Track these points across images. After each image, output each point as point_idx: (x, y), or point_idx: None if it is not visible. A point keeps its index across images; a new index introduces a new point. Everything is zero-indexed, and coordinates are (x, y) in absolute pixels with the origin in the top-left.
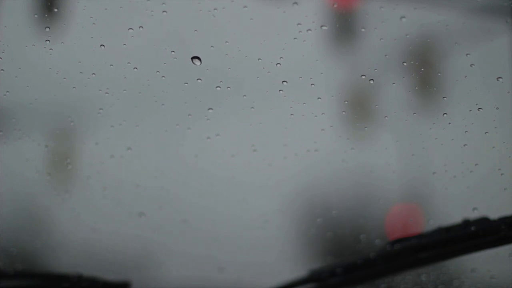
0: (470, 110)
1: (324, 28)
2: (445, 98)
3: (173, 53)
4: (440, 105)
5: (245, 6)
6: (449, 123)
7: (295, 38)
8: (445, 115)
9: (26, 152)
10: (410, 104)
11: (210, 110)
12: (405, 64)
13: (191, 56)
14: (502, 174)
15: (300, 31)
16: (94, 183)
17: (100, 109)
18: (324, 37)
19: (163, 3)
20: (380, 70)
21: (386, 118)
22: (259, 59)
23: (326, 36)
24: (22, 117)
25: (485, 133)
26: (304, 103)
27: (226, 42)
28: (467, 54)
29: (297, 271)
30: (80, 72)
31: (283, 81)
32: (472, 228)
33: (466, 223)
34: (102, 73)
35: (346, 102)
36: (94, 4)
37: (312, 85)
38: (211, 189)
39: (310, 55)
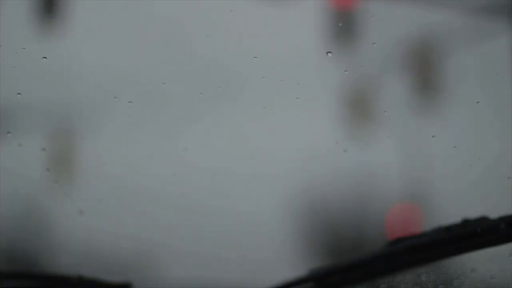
0: (469, 110)
1: (324, 28)
2: (444, 98)
3: (175, 52)
4: (439, 104)
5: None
6: (449, 122)
7: (295, 38)
8: (445, 114)
9: (26, 152)
10: (410, 104)
11: (209, 110)
12: (405, 64)
13: (194, 55)
14: (501, 174)
15: (300, 32)
16: (95, 184)
17: (101, 109)
18: (324, 37)
19: (165, 4)
20: (380, 70)
21: (386, 118)
22: (259, 59)
23: (326, 36)
24: (22, 117)
25: (485, 132)
26: (305, 103)
27: (227, 42)
28: (467, 54)
29: (297, 270)
30: (81, 72)
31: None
32: (472, 227)
33: (466, 222)
34: (102, 73)
35: (346, 102)
36: (94, 4)
37: (312, 85)
38: (212, 189)
39: (311, 55)
